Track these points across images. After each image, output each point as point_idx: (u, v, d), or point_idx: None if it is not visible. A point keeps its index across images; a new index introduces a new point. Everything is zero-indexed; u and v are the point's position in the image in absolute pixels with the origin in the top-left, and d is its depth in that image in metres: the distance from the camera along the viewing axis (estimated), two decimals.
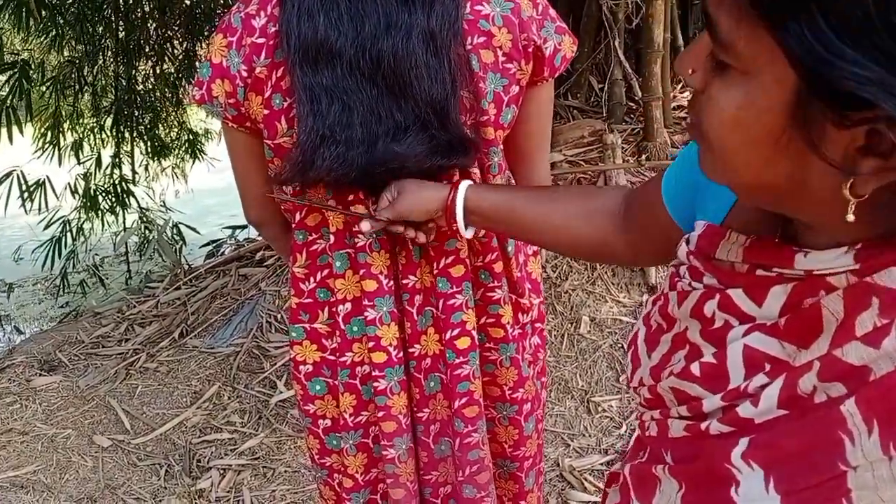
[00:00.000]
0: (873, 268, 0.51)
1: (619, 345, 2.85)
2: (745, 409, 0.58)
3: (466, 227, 1.11)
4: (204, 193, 7.94)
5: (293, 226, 1.27)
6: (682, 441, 0.65)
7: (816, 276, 0.55)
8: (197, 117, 6.61)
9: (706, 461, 0.60)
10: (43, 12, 4.15)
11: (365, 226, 1.12)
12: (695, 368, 0.63)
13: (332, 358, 1.31)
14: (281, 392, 2.89)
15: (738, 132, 0.51)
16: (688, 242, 0.69)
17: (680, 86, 3.62)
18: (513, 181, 1.33)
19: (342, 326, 1.26)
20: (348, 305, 1.25)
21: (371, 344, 1.24)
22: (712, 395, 0.61)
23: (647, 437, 0.73)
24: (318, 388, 1.34)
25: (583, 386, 2.74)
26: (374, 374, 1.25)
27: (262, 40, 1.10)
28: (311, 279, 1.27)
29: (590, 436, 2.57)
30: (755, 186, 0.54)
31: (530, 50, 1.15)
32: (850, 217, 0.48)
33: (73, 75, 4.95)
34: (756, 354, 0.58)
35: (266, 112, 1.12)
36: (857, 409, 0.50)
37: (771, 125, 0.48)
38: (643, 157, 3.23)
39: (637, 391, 0.74)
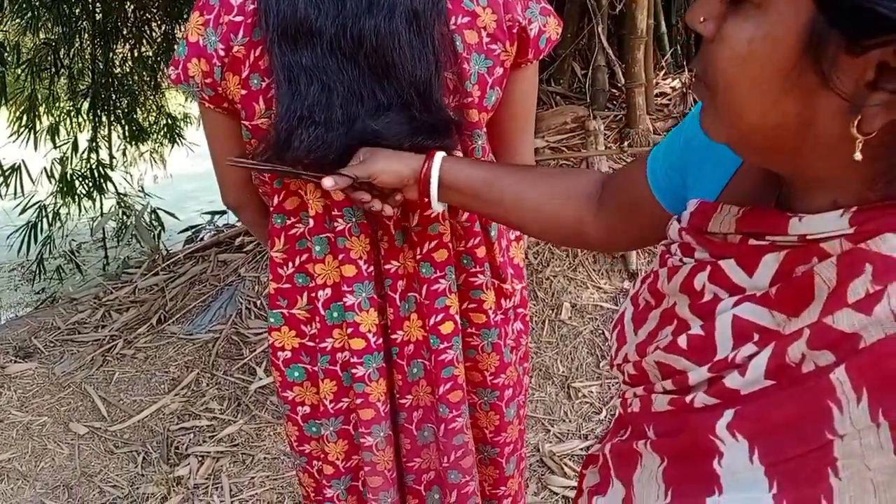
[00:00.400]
0: (868, 233, 0.51)
1: (600, 331, 2.85)
2: (731, 380, 0.57)
3: (439, 201, 1.08)
4: (183, 179, 7.86)
5: (271, 209, 1.24)
6: (665, 415, 0.65)
7: (810, 241, 0.54)
8: (176, 101, 6.54)
9: (690, 434, 0.60)
10: None
11: (328, 181, 1.05)
12: (682, 341, 0.63)
13: (311, 344, 1.29)
14: (260, 379, 2.87)
15: (749, 67, 0.50)
16: (679, 221, 0.68)
17: (662, 73, 3.61)
18: None
19: (322, 312, 1.24)
20: (328, 291, 1.23)
21: (350, 330, 1.22)
22: (698, 367, 0.61)
23: (629, 413, 0.72)
24: (296, 374, 1.32)
25: (563, 372, 2.75)
26: (352, 360, 1.23)
27: (239, 18, 1.07)
28: (290, 264, 1.25)
29: (570, 421, 2.57)
30: (760, 132, 0.53)
31: (515, 31, 1.13)
32: (858, 155, 0.48)
33: (49, 58, 4.86)
34: (745, 325, 0.58)
35: (244, 92, 1.10)
36: (847, 376, 0.49)
37: (783, 58, 0.48)
38: (625, 143, 3.22)
39: (620, 368, 0.73)
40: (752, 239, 0.59)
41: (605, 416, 2.56)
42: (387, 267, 1.22)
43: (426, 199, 1.08)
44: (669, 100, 3.50)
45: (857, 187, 0.52)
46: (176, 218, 5.39)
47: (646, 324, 0.70)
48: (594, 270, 3.03)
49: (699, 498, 0.57)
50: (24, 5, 4.38)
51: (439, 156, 1.06)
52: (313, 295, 1.24)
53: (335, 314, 1.24)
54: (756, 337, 0.57)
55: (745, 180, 0.69)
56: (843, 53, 0.45)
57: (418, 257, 1.21)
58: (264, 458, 2.54)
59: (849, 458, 0.49)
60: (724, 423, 0.56)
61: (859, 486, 0.49)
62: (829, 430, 0.50)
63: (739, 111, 0.53)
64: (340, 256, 1.19)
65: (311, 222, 1.19)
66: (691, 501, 0.58)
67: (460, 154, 1.17)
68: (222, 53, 1.09)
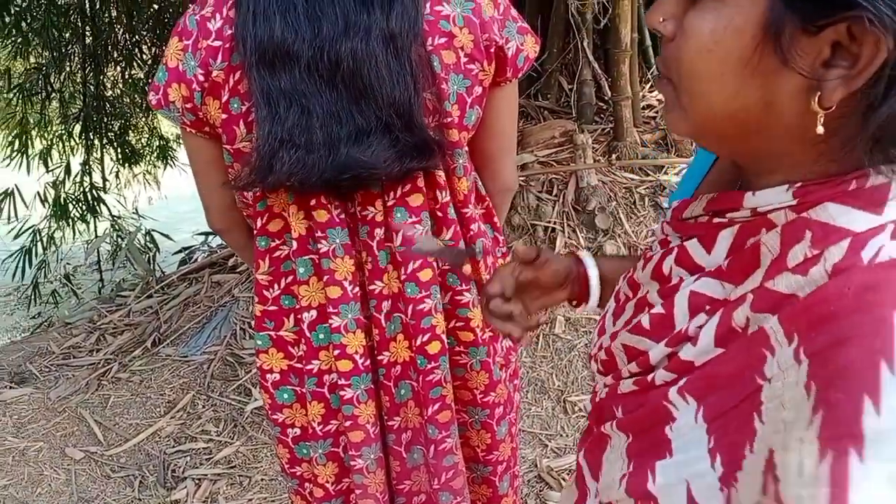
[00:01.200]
0: (809, 203, 0.53)
1: None
2: (685, 352, 0.59)
3: None
4: (178, 200, 7.84)
5: (255, 232, 1.24)
6: (630, 395, 0.67)
7: (760, 214, 0.56)
8: (167, 123, 6.54)
9: (648, 406, 0.62)
10: (7, 18, 4.08)
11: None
12: (644, 321, 0.65)
13: (298, 366, 1.29)
14: (256, 399, 2.86)
15: (713, 57, 0.53)
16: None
17: (648, 86, 3.63)
18: (479, 183, 1.32)
19: (308, 334, 1.24)
20: (313, 313, 1.23)
21: (336, 352, 1.21)
22: (657, 344, 0.62)
23: (596, 403, 0.74)
24: (285, 396, 1.31)
25: (559, 386, 2.74)
26: (339, 382, 1.23)
27: (218, 43, 1.08)
28: (276, 286, 1.25)
29: (567, 436, 2.56)
30: (726, 119, 0.55)
31: (492, 50, 1.13)
32: (820, 129, 0.50)
33: (39, 82, 4.88)
34: (699, 298, 0.60)
35: (224, 117, 1.10)
36: (780, 326, 0.51)
37: (745, 44, 0.51)
38: (613, 156, 3.23)
39: (595, 358, 0.75)
40: (717, 217, 0.62)
41: None
42: (371, 287, 1.22)
43: (575, 301, 0.96)
44: (656, 112, 3.52)
45: (817, 166, 0.54)
46: (171, 239, 5.37)
47: (623, 314, 0.72)
48: None
49: (651, 462, 0.59)
50: (14, 30, 4.40)
51: (583, 254, 0.94)
52: (299, 317, 1.24)
53: (321, 336, 1.24)
54: (708, 307, 0.59)
55: (715, 177, 0.73)
56: (800, 35, 0.48)
57: (403, 277, 1.21)
58: (261, 480, 2.52)
59: (771, 401, 0.50)
60: (675, 387, 0.58)
61: (772, 426, 0.49)
62: (760, 375, 0.51)
63: (706, 101, 0.55)
64: (325, 278, 1.19)
65: (295, 244, 1.19)
66: (643, 462, 0.60)
67: (442, 174, 1.18)
68: (202, 78, 1.09)
